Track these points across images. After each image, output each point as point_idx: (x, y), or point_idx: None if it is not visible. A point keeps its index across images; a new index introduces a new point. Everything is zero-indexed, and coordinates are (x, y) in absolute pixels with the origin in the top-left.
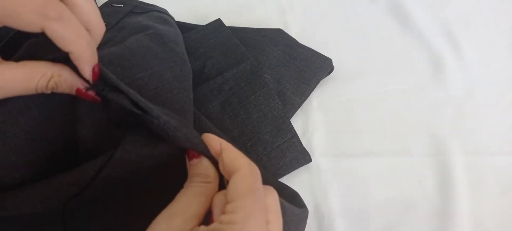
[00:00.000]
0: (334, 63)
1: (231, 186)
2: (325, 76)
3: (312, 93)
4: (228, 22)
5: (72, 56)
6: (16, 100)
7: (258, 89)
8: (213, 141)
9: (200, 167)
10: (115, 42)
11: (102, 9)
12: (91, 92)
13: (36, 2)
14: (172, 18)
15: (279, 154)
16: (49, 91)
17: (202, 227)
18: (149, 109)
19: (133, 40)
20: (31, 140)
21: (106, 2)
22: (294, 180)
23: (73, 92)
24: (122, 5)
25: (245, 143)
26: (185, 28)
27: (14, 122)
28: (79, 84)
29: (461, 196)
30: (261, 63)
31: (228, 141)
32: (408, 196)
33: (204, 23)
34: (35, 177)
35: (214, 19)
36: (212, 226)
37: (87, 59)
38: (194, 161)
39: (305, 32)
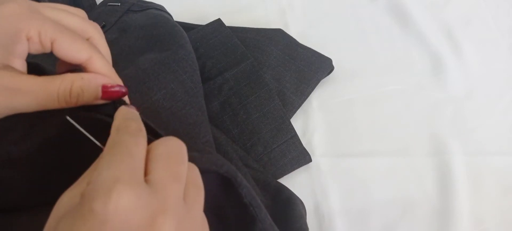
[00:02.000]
0: (334, 63)
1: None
2: (325, 76)
3: (312, 93)
4: (228, 22)
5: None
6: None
7: (258, 89)
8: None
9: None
10: (121, 47)
11: (100, 8)
12: (119, 88)
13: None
14: (169, 15)
15: (279, 154)
16: (74, 101)
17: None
18: None
19: (147, 61)
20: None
21: (103, 1)
22: (294, 180)
23: (99, 95)
24: (119, 4)
25: (245, 143)
26: (185, 28)
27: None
28: (105, 80)
29: (461, 196)
30: (261, 63)
31: (227, 141)
32: (408, 196)
33: (204, 23)
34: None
35: (214, 19)
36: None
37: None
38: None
39: (305, 32)
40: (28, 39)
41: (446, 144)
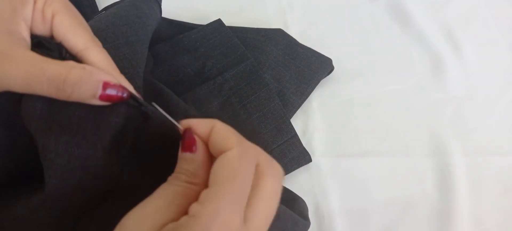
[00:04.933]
0: (334, 63)
1: (213, 169)
2: (325, 76)
3: (312, 93)
4: (228, 22)
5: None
6: None
7: (258, 89)
8: (201, 123)
9: (192, 163)
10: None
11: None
12: (121, 91)
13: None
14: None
15: (279, 154)
16: (67, 91)
17: (170, 225)
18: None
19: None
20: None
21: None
22: (294, 180)
23: (98, 94)
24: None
25: None
26: (185, 27)
27: None
28: (107, 77)
29: (461, 196)
30: (261, 63)
31: None
32: (408, 196)
33: (204, 23)
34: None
35: (214, 19)
36: (179, 221)
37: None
38: (187, 155)
39: (305, 32)
40: (34, 2)
41: (446, 144)
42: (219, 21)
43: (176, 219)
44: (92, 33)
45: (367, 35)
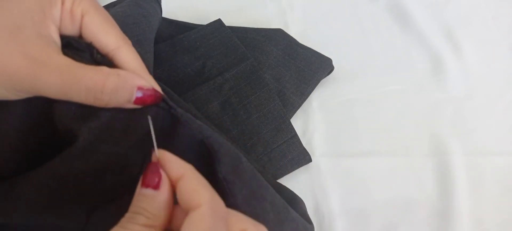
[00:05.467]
0: (334, 63)
1: (185, 228)
2: (325, 76)
3: (312, 93)
4: (228, 22)
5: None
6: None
7: (258, 89)
8: (174, 163)
9: (152, 202)
10: None
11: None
12: (154, 93)
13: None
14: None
15: (279, 154)
16: (105, 100)
17: None
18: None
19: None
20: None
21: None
22: (294, 180)
23: (133, 98)
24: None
25: (245, 143)
26: (185, 27)
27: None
28: (141, 81)
29: (461, 196)
30: (261, 63)
31: (228, 140)
32: (408, 196)
33: (204, 23)
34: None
35: (214, 19)
36: None
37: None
38: (149, 191)
39: (305, 32)
40: (62, 3)
41: (446, 144)
42: (219, 21)
43: None
44: (121, 32)
45: (367, 35)
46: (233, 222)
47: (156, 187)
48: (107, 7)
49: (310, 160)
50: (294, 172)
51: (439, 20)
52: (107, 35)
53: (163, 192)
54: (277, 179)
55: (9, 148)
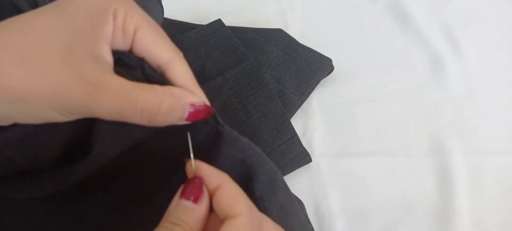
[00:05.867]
0: (334, 63)
1: None
2: (325, 76)
3: (312, 93)
4: (228, 22)
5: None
6: None
7: (258, 89)
8: (211, 174)
9: (192, 215)
10: None
11: None
12: (206, 108)
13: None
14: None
15: (279, 154)
16: (159, 121)
17: None
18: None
19: None
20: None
21: None
22: (294, 180)
23: (185, 115)
24: None
25: None
26: (185, 27)
27: None
28: (194, 98)
29: (461, 196)
30: (261, 63)
31: None
32: (408, 196)
33: (204, 23)
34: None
35: (214, 19)
36: None
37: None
38: (189, 204)
39: (305, 32)
40: (114, 18)
41: (446, 144)
42: (219, 21)
43: None
44: (173, 44)
45: (367, 35)
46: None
47: (196, 200)
48: None
49: (310, 160)
50: (294, 172)
51: (439, 20)
52: (160, 49)
53: (203, 206)
54: None
55: (55, 153)
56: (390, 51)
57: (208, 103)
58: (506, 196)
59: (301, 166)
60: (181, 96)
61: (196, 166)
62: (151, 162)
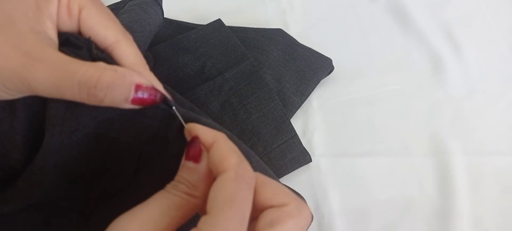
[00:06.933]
0: (334, 63)
1: (211, 192)
2: (325, 76)
3: (312, 93)
4: (228, 22)
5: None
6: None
7: (258, 89)
8: (207, 133)
9: (194, 174)
10: None
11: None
12: (153, 93)
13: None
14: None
15: (279, 154)
16: (99, 96)
17: None
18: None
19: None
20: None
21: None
22: (294, 180)
23: (130, 97)
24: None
25: (245, 143)
26: (185, 27)
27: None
28: (140, 79)
29: (461, 196)
30: (261, 63)
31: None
32: (408, 196)
33: (204, 23)
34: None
35: (214, 19)
36: None
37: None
38: (190, 164)
39: (305, 32)
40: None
41: (446, 144)
42: (219, 21)
43: None
44: (121, 26)
45: (367, 35)
46: (271, 192)
47: (196, 160)
48: (109, 6)
49: (310, 160)
50: (294, 172)
51: (439, 20)
52: (106, 29)
53: (203, 165)
54: (277, 180)
55: (16, 144)
56: (390, 51)
57: (158, 87)
58: (506, 196)
59: (301, 166)
60: (126, 75)
61: (191, 128)
62: (120, 155)
